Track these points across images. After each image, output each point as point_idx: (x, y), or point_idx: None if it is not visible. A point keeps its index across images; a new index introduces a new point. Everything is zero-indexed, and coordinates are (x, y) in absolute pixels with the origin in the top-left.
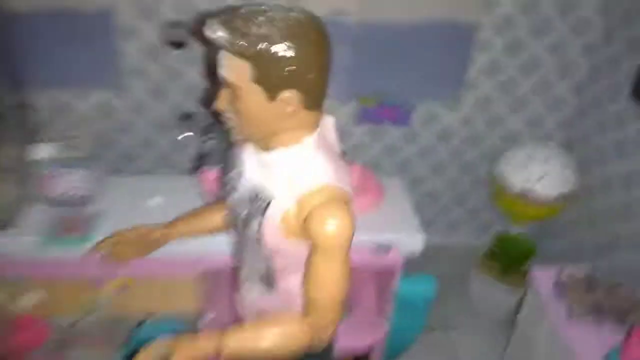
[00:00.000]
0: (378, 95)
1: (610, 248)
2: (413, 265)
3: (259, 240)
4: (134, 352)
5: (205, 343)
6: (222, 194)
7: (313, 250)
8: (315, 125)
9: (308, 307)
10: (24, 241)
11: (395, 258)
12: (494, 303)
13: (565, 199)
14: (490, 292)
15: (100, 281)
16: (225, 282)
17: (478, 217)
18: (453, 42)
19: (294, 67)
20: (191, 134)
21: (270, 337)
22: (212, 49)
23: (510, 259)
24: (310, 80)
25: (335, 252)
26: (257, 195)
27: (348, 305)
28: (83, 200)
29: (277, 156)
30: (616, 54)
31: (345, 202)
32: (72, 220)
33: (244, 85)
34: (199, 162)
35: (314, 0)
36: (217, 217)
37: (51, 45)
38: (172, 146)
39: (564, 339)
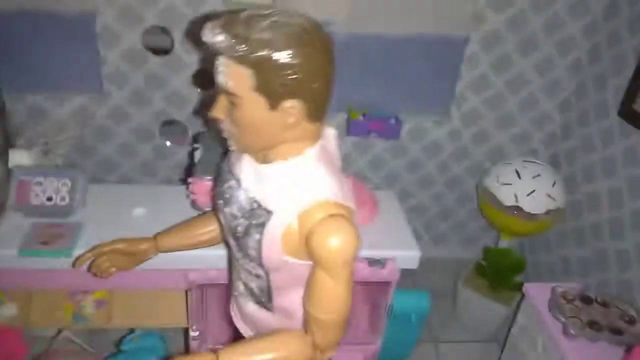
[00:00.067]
0: (366, 107)
1: (597, 264)
2: (400, 279)
3: (256, 255)
4: None
5: None
6: (215, 206)
7: (316, 267)
8: (317, 136)
9: (311, 326)
10: (0, 253)
11: (390, 273)
12: (482, 317)
13: (553, 215)
14: (478, 306)
15: (81, 293)
16: (214, 296)
17: (465, 231)
18: (442, 57)
19: (298, 76)
20: (173, 142)
21: (270, 357)
22: (203, 55)
23: (498, 273)
24: (315, 89)
25: (339, 269)
26: (256, 209)
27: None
28: (63, 210)
29: (276, 169)
30: (602, 72)
31: (348, 217)
32: (51, 231)
33: (243, 93)
34: (188, 172)
35: (301, 10)
36: (208, 230)
37: (29, 47)
38: (153, 154)
39: (559, 356)
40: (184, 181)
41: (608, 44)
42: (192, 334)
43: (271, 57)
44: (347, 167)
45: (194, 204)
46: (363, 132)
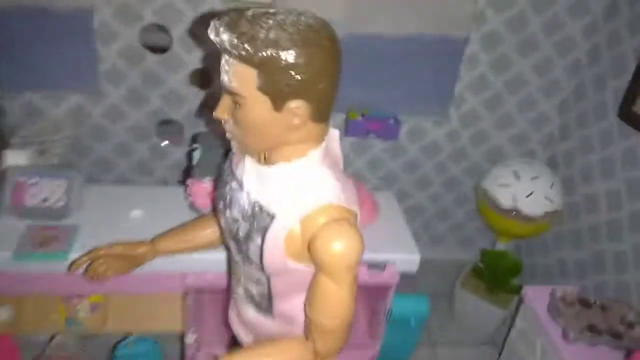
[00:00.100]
0: (365, 107)
1: (595, 266)
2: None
3: (258, 260)
4: None
5: None
6: (215, 208)
7: (319, 272)
8: (321, 138)
9: (313, 332)
10: None
11: (390, 276)
12: (479, 319)
13: (551, 217)
14: (475, 309)
15: (76, 297)
16: (211, 301)
17: (463, 232)
18: (442, 57)
19: (304, 76)
20: (169, 142)
21: None
22: (202, 53)
23: (495, 275)
24: (321, 90)
25: (343, 274)
26: (258, 212)
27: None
28: (59, 211)
29: (279, 170)
30: (602, 73)
31: (352, 222)
32: (46, 233)
33: (248, 93)
34: (186, 173)
35: (301, 10)
36: (208, 233)
37: (24, 45)
38: (150, 154)
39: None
40: (182, 183)
41: (608, 44)
42: (188, 339)
43: (276, 57)
44: (346, 167)
45: (192, 205)
46: (362, 133)
